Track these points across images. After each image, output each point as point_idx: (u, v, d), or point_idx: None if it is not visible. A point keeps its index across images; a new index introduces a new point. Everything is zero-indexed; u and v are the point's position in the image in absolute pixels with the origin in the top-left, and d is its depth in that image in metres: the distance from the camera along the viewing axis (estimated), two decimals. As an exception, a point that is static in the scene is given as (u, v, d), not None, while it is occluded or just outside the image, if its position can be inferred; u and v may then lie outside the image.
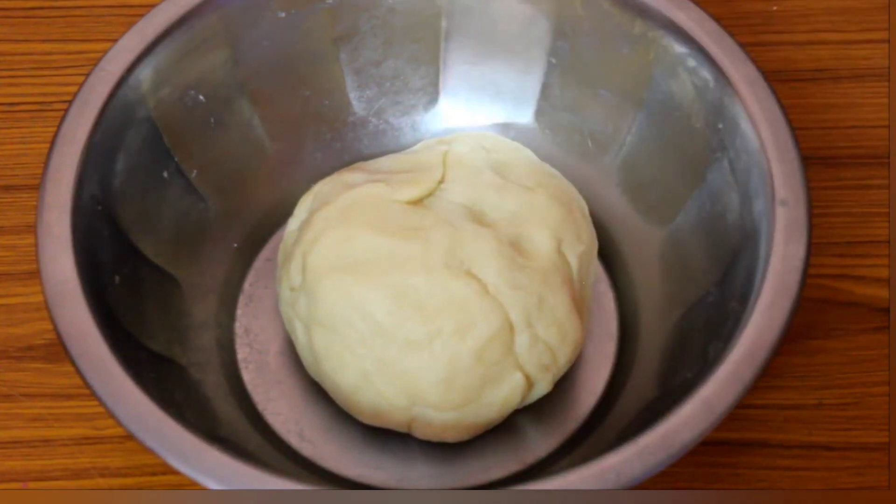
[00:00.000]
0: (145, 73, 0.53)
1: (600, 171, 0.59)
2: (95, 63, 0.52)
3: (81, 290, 0.47)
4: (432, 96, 0.61)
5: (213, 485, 0.44)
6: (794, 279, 0.48)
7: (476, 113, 0.61)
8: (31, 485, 0.53)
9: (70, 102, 0.51)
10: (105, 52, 0.53)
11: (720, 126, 0.53)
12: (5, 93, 0.64)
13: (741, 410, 0.47)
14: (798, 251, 0.48)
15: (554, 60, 0.58)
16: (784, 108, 0.52)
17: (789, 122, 0.51)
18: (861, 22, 0.66)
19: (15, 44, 0.65)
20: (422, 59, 0.60)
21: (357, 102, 0.60)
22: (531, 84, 0.59)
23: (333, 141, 0.60)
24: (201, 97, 0.56)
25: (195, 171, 0.57)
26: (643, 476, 0.44)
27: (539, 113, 0.60)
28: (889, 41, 0.65)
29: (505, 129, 0.60)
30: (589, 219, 0.56)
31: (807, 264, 0.48)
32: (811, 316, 0.57)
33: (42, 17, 0.66)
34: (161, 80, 0.54)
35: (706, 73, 0.53)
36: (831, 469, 0.54)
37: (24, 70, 0.64)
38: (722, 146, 0.53)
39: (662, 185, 0.57)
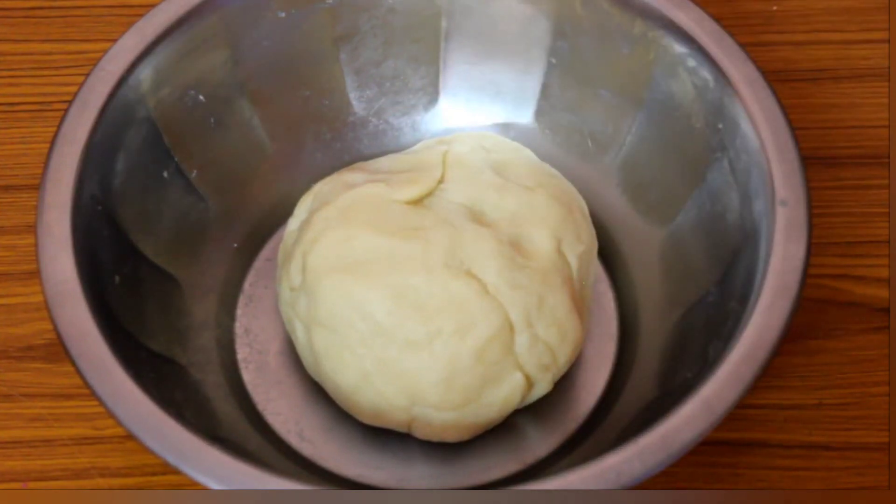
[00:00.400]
0: (145, 73, 0.53)
1: (600, 171, 0.59)
2: (95, 63, 0.52)
3: (81, 290, 0.47)
4: (432, 96, 0.61)
5: (213, 485, 0.44)
6: (794, 279, 0.48)
7: (476, 113, 0.61)
8: (31, 485, 0.53)
9: (70, 102, 0.52)
10: (105, 52, 0.53)
11: (720, 126, 0.53)
12: (5, 93, 0.64)
13: (741, 410, 0.47)
14: (798, 251, 0.48)
15: (554, 60, 0.58)
16: (784, 108, 0.52)
17: (789, 122, 0.51)
18: (861, 22, 0.66)
19: (15, 44, 0.65)
20: (422, 59, 0.60)
21: (357, 102, 0.60)
22: (531, 84, 0.59)
23: (333, 141, 0.60)
24: (201, 97, 0.56)
25: (195, 171, 0.57)
26: (643, 476, 0.44)
27: (539, 113, 0.60)
28: (889, 41, 0.65)
29: (505, 129, 0.60)
30: (589, 219, 0.56)
31: (807, 264, 0.48)
32: (811, 316, 0.57)
33: (42, 17, 0.66)
34: (161, 80, 0.54)
35: (706, 73, 0.53)
36: (831, 469, 0.54)
37: (24, 70, 0.64)
38: (722, 146, 0.53)
39: (662, 185, 0.57)
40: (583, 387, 0.55)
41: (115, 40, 0.53)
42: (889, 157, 0.62)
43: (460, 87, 0.60)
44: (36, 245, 0.48)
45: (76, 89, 0.52)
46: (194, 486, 0.44)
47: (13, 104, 0.63)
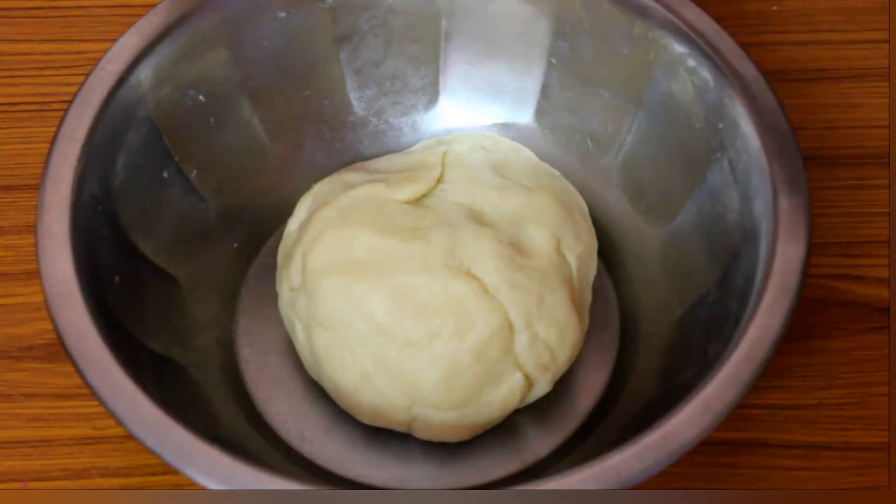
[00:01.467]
0: (145, 73, 0.53)
1: (600, 172, 0.59)
2: (95, 63, 0.52)
3: (81, 291, 0.47)
4: (432, 96, 0.61)
5: (212, 485, 0.44)
6: (794, 279, 0.48)
7: (476, 113, 0.61)
8: (31, 485, 0.53)
9: (70, 102, 0.52)
10: (105, 52, 0.53)
11: (720, 126, 0.53)
12: (5, 93, 0.64)
13: (741, 410, 0.47)
14: (798, 251, 0.48)
15: (554, 60, 0.58)
16: (784, 108, 0.52)
17: (789, 122, 0.51)
18: (861, 22, 0.67)
19: (15, 44, 0.65)
20: (422, 60, 0.60)
21: (357, 102, 0.60)
22: (531, 84, 0.60)
23: (333, 141, 0.60)
24: (201, 97, 0.56)
25: (195, 172, 0.57)
26: (643, 476, 0.44)
27: (539, 113, 0.60)
28: (889, 41, 0.66)
29: (505, 129, 0.60)
30: (589, 219, 0.56)
31: (807, 264, 0.48)
32: (811, 316, 0.57)
33: (42, 17, 0.66)
34: (161, 79, 0.54)
35: (706, 73, 0.53)
36: (831, 469, 0.54)
37: (24, 70, 0.65)
38: (722, 146, 0.53)
39: (662, 186, 0.57)
40: (583, 387, 0.55)
41: (115, 40, 0.53)
42: (889, 157, 0.62)
43: (460, 87, 0.61)
44: (36, 245, 0.48)
45: (76, 89, 0.52)
46: (194, 486, 0.44)
47: (13, 104, 0.63)
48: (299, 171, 0.59)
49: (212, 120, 0.57)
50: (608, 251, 0.58)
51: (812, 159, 0.57)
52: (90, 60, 0.56)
